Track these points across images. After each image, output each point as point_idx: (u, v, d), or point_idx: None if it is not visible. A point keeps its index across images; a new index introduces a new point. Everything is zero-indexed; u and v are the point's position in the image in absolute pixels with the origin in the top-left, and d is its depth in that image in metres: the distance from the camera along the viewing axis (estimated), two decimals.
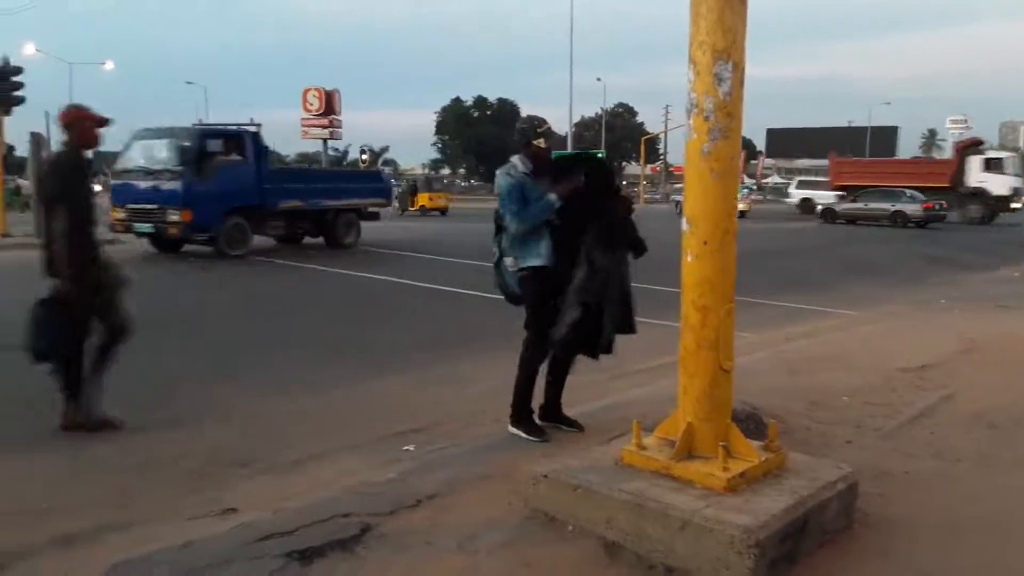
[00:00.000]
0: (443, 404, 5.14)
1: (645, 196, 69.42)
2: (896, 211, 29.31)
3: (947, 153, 48.35)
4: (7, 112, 16.92)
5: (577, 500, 3.07)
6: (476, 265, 13.33)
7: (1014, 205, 33.36)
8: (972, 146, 35.83)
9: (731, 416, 3.23)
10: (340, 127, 40.62)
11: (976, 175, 33.27)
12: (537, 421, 4.27)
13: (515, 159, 4.22)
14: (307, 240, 17.32)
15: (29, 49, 47.14)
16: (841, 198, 33.30)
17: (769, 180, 74.47)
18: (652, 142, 78.31)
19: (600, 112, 77.58)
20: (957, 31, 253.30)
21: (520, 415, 4.22)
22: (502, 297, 4.39)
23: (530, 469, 3.33)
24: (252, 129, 16.15)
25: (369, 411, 5.02)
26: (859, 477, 3.28)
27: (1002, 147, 69.12)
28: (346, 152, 78.91)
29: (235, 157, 15.07)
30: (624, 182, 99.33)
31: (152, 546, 2.88)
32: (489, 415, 4.80)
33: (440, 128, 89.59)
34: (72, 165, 4.44)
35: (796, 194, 41.18)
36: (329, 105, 39.63)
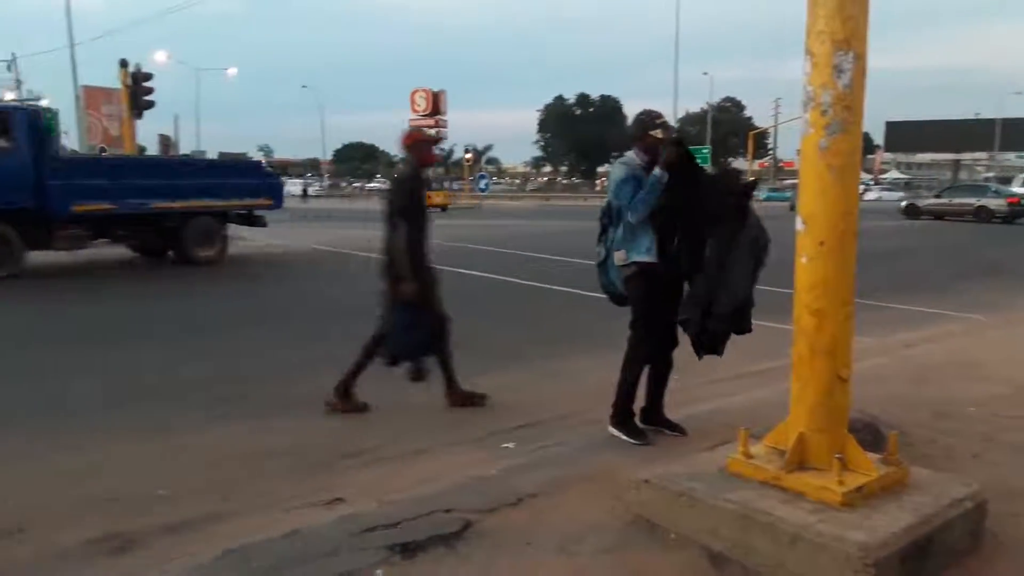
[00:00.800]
0: (547, 402, 5.13)
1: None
2: (980, 206, 28.50)
3: None
4: (139, 115, 18.15)
5: (680, 508, 2.99)
6: (577, 264, 13.29)
7: None
8: None
9: (847, 426, 3.07)
10: (446, 127, 41.47)
11: None
12: (638, 424, 4.19)
13: (630, 153, 4.17)
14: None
15: (160, 56, 50.51)
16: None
17: (887, 175, 70.74)
18: (761, 137, 75.85)
19: (706, 107, 75.79)
20: None
21: (621, 416, 4.16)
22: (605, 297, 4.34)
23: (632, 473, 3.27)
24: (27, 107, 13.19)
25: (476, 407, 5.06)
26: (988, 495, 3.04)
27: None
28: (451, 151, 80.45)
29: None
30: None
31: (262, 534, 3.01)
32: (592, 414, 4.77)
33: (542, 126, 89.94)
34: (415, 183, 4.87)
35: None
36: (436, 105, 40.54)
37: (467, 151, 48.69)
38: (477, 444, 4.26)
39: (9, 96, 37.97)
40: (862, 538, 2.56)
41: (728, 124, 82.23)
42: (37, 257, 11.93)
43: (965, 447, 4.05)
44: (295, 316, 8.76)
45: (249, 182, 14.54)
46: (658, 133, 4.06)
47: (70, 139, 41.38)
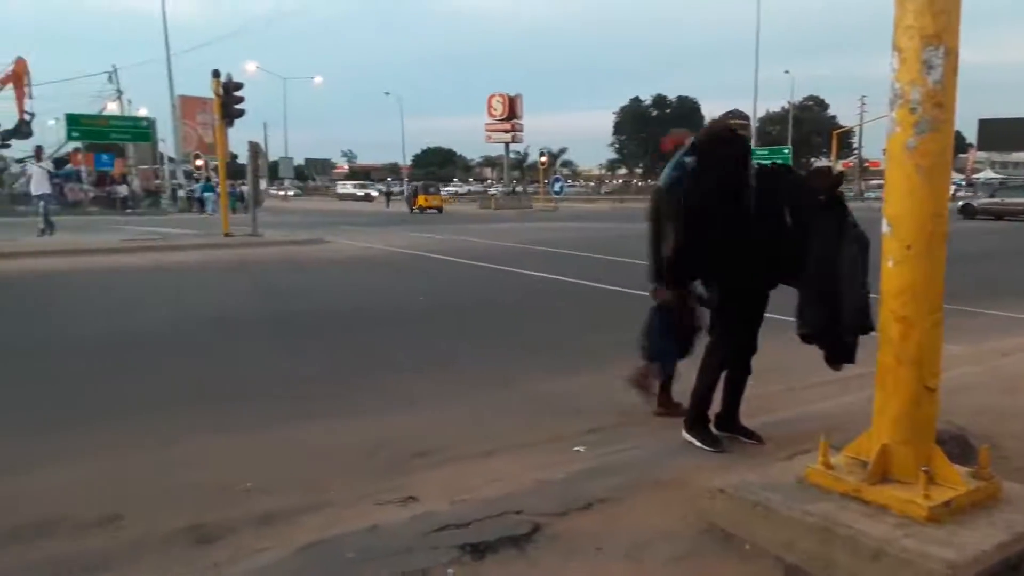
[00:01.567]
0: (620, 405, 5.08)
1: None
2: None
3: None
4: (230, 124, 18.86)
5: (756, 518, 2.92)
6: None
7: None
8: None
9: (934, 438, 2.93)
10: (521, 131, 41.72)
11: None
12: (712, 430, 4.11)
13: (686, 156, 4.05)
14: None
15: (250, 66, 52.64)
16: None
17: (980, 175, 67.20)
18: (845, 136, 73.30)
19: (787, 106, 73.75)
20: None
21: (696, 422, 4.09)
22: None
23: (706, 481, 3.21)
24: None
25: (547, 409, 5.07)
26: None
27: None
28: (526, 154, 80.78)
29: None
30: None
31: (340, 529, 3.09)
32: (665, 420, 4.71)
33: (618, 128, 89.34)
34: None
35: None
36: (512, 110, 40.83)
37: (542, 154, 48.70)
38: (548, 446, 4.26)
39: (111, 106, 40.17)
40: (950, 555, 2.44)
41: (811, 123, 79.84)
42: None
43: None
44: (356, 320, 8.94)
45: None
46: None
47: (167, 146, 43.59)
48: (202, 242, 17.90)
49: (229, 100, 18.30)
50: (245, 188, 33.02)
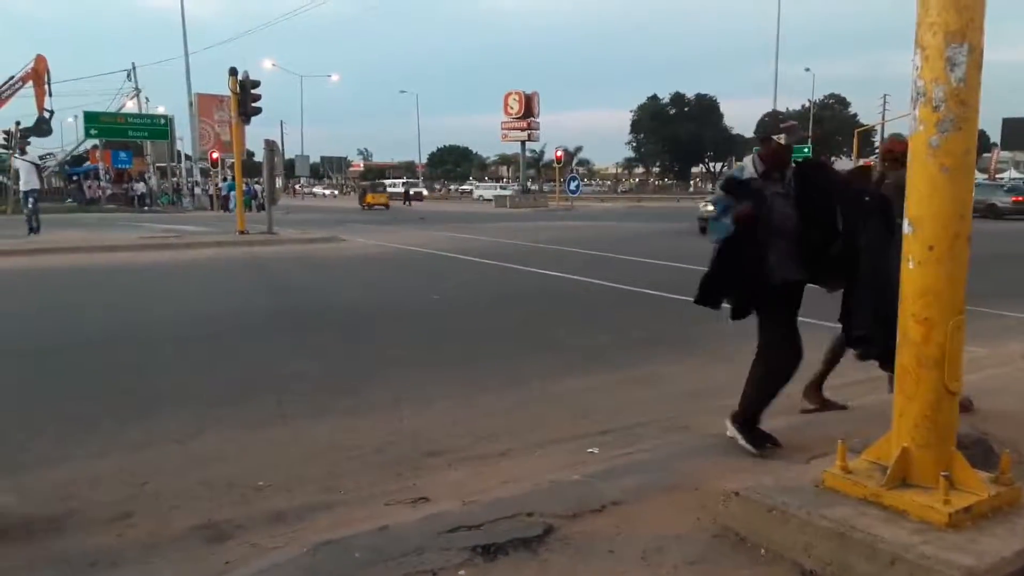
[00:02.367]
0: (632, 406, 5.05)
1: None
2: (990, 204, 28.88)
3: None
4: (247, 121, 18.94)
5: (772, 522, 2.87)
6: (665, 266, 13.05)
7: None
8: None
9: (955, 443, 2.88)
10: (538, 129, 41.64)
11: None
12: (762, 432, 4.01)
13: (748, 159, 3.97)
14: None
15: (267, 64, 52.98)
16: None
17: (1005, 175, 66.34)
18: (867, 135, 72.63)
19: (807, 104, 73.21)
20: None
21: (748, 422, 3.97)
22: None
23: (720, 484, 3.17)
24: None
25: (560, 410, 5.04)
26: None
27: None
28: (542, 153, 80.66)
29: None
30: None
31: (351, 529, 3.08)
32: (678, 421, 4.67)
33: (635, 127, 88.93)
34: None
35: None
36: (528, 108, 40.78)
37: (558, 152, 48.60)
38: (561, 447, 4.23)
39: (129, 104, 40.52)
40: (969, 562, 2.39)
41: (832, 122, 79.18)
42: None
43: None
44: (366, 318, 8.95)
45: None
46: (781, 139, 3.79)
47: (184, 144, 43.94)
48: (217, 240, 18.01)
49: (246, 98, 18.38)
50: (259, 187, 33.31)
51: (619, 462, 3.87)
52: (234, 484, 3.74)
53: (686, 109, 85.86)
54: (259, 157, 32.88)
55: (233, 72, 18.24)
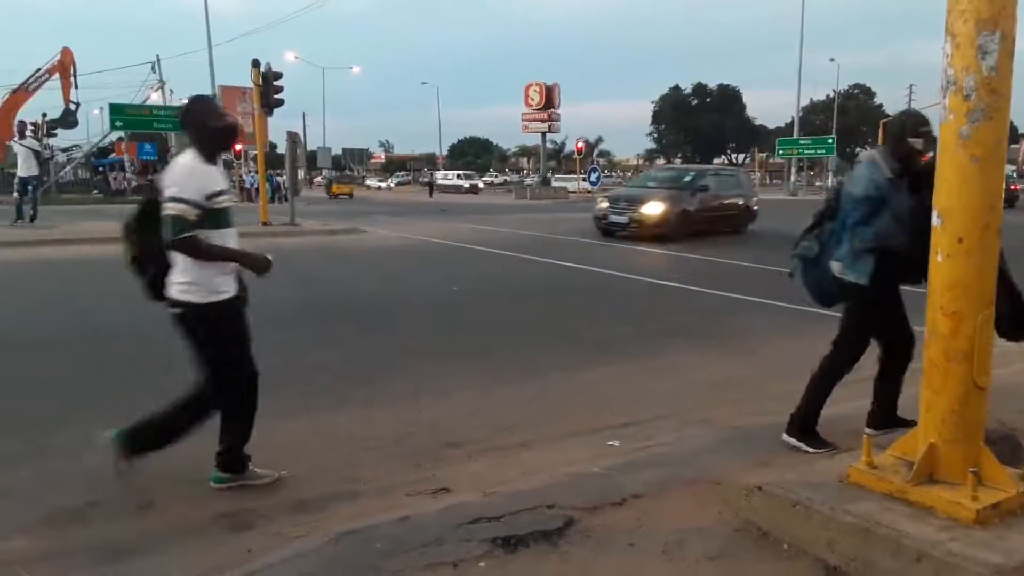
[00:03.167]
0: (653, 399, 5.03)
1: None
2: None
3: None
4: (270, 113, 19.00)
5: (795, 517, 2.85)
6: (685, 259, 12.97)
7: None
8: None
9: (984, 438, 2.83)
10: (558, 120, 41.43)
11: None
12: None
13: (878, 154, 3.77)
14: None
15: (289, 56, 53.24)
16: None
17: None
18: None
19: (832, 94, 72.27)
20: None
21: (807, 427, 3.91)
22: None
23: (742, 478, 3.15)
24: None
25: (579, 402, 5.03)
26: None
27: None
28: (563, 144, 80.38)
29: None
30: None
31: (373, 518, 3.09)
32: (699, 414, 4.64)
33: (656, 118, 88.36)
34: None
35: None
36: (549, 99, 40.59)
37: (578, 142, 48.40)
38: (581, 440, 4.22)
39: (154, 96, 40.85)
40: (997, 559, 2.36)
41: (857, 112, 78.15)
42: None
43: None
44: (382, 309, 8.97)
45: None
46: (917, 144, 3.62)
47: None
48: (240, 231, 18.09)
49: (268, 90, 18.42)
50: (281, 179, 33.48)
51: (639, 455, 3.85)
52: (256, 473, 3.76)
53: (708, 100, 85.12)
54: (281, 149, 33.05)
55: (256, 64, 18.27)
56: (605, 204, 18.15)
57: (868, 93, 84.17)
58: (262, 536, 3.09)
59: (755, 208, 19.14)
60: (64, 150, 41.38)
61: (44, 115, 33.00)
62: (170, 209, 3.22)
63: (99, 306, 8.51)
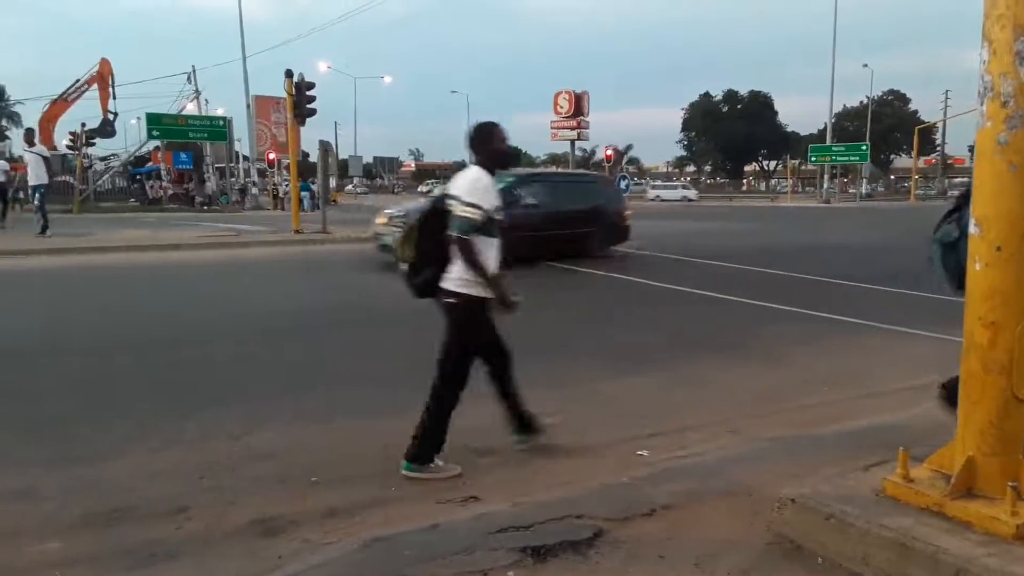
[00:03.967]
0: (683, 409, 4.98)
1: (917, 192, 62.77)
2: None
3: None
4: (302, 122, 19.24)
5: (829, 531, 2.80)
6: (716, 267, 12.85)
7: None
8: None
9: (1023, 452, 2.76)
10: (587, 128, 41.39)
11: None
12: None
13: None
14: None
15: (322, 66, 53.93)
16: None
17: None
18: (927, 132, 70.48)
19: (865, 101, 71.35)
20: None
21: None
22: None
23: (774, 490, 3.11)
24: None
25: (608, 411, 5.00)
26: None
27: None
28: (592, 152, 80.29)
29: None
30: (892, 177, 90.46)
31: (402, 526, 3.10)
32: (729, 424, 4.59)
33: (687, 125, 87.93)
34: None
35: None
36: (578, 107, 40.54)
37: (607, 150, 48.26)
38: (609, 449, 4.20)
39: (190, 107, 41.64)
40: None
41: (891, 119, 77.06)
42: None
43: None
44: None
45: None
46: None
47: (242, 145, 44.99)
48: (273, 239, 18.35)
49: (301, 99, 18.65)
50: (314, 187, 33.86)
51: (669, 465, 3.82)
52: (287, 479, 3.80)
53: (739, 106, 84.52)
54: (313, 158, 33.44)
55: (289, 74, 18.53)
56: (383, 219, 13.19)
57: (902, 99, 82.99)
58: (293, 542, 3.11)
59: (625, 224, 14.85)
60: (102, 159, 42.23)
61: (83, 124, 33.74)
62: (465, 211, 3.67)
63: (135, 315, 8.66)
